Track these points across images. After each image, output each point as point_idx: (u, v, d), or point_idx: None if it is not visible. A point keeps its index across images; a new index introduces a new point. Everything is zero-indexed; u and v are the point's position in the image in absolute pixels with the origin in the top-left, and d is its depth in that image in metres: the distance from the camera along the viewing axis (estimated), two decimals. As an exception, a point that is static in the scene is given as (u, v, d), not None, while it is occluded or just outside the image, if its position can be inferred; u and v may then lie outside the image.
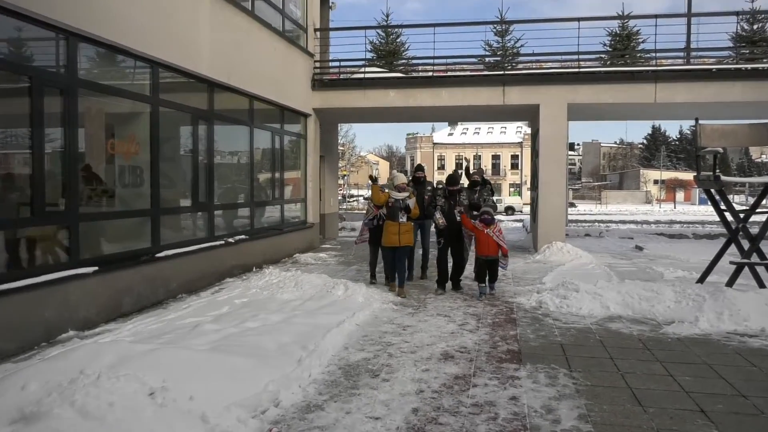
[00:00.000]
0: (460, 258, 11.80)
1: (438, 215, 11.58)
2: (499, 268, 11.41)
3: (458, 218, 11.51)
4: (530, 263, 15.96)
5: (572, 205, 71.26)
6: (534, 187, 19.22)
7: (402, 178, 11.72)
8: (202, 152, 12.68)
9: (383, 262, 11.70)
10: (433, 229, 12.88)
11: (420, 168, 13.00)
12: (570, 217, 40.28)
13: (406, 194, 11.43)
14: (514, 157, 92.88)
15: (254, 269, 14.05)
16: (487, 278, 11.29)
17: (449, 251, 11.76)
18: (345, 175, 76.45)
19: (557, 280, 12.61)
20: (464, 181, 13.38)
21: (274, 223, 16.46)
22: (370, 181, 11.99)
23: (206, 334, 8.14)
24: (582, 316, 9.78)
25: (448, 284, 12.01)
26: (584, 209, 66.96)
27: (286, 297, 10.64)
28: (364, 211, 16.17)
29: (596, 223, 35.55)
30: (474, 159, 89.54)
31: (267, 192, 16.23)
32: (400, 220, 11.26)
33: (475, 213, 11.63)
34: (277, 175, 16.70)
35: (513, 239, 22.02)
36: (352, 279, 12.54)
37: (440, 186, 12.14)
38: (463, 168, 13.98)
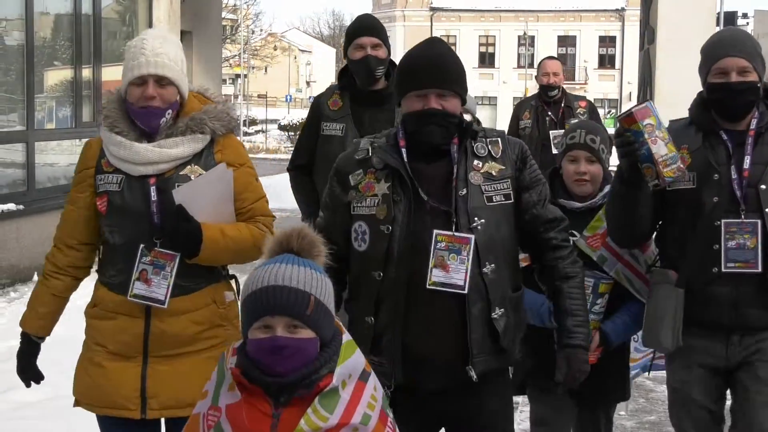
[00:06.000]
0: None
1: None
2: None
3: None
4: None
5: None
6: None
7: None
8: None
9: None
10: None
11: (368, 29, 4.42)
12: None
13: (194, 147, 2.94)
14: (607, 41, 54.79)
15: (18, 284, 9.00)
16: None
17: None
18: (239, 76, 51.70)
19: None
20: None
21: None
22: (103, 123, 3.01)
23: None
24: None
25: None
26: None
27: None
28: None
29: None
30: (525, 41, 53.14)
31: (63, 109, 10.96)
32: (135, 289, 2.86)
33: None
34: (86, 72, 10.96)
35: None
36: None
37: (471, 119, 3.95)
38: None
